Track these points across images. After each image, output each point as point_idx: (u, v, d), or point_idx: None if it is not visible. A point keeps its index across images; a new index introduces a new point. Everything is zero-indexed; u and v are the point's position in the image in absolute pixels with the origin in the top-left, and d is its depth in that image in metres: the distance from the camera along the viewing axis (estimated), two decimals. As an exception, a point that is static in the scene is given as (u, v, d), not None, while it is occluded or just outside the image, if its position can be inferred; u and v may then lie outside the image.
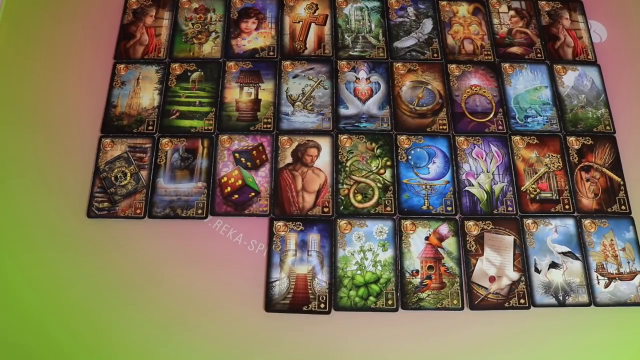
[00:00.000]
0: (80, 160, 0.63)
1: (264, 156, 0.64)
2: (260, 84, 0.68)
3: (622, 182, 0.65)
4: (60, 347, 0.55)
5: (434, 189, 0.63)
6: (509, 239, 0.61)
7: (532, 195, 0.63)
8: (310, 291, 0.58)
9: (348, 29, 0.72)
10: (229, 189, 0.61)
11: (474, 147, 0.65)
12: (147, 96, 0.67)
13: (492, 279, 0.59)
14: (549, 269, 0.60)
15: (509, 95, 0.69)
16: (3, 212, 0.61)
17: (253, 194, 0.61)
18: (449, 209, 0.62)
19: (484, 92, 0.69)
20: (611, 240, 0.61)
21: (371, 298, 0.58)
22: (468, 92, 0.69)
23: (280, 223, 0.61)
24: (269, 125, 0.65)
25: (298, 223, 0.61)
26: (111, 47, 0.70)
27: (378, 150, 0.65)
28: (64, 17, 0.72)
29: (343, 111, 0.67)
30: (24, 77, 0.68)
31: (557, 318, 0.58)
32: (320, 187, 0.63)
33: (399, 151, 0.65)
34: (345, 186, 0.63)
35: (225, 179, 0.62)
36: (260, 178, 0.63)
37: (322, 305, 0.57)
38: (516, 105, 0.68)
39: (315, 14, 0.73)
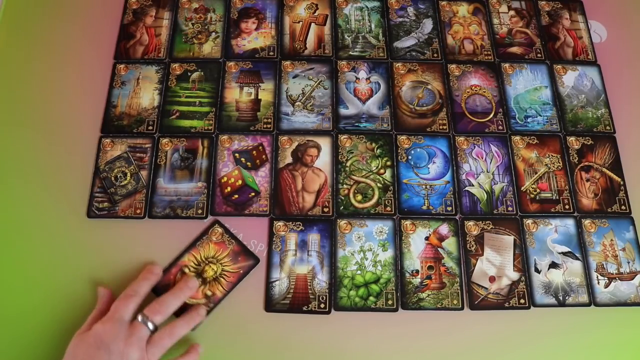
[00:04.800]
0: (80, 160, 0.63)
1: (264, 156, 0.64)
2: (260, 84, 0.68)
3: (622, 182, 0.65)
4: (60, 347, 0.55)
5: (434, 189, 0.63)
6: (509, 239, 0.61)
7: (532, 195, 0.63)
8: (310, 291, 0.58)
9: (348, 29, 0.72)
10: (229, 189, 0.61)
11: (474, 147, 0.65)
12: (147, 96, 0.67)
13: (492, 279, 0.59)
14: (549, 269, 0.60)
15: (509, 95, 0.69)
16: (3, 212, 0.61)
17: (253, 194, 0.61)
18: (449, 209, 0.62)
19: (484, 92, 0.69)
20: (611, 240, 0.61)
21: (371, 298, 0.58)
22: (468, 92, 0.69)
23: (280, 223, 0.61)
24: (269, 125, 0.65)
25: (298, 223, 0.61)
26: (111, 47, 0.70)
27: (378, 150, 0.65)
28: (64, 17, 0.72)
29: (343, 111, 0.67)
30: (24, 77, 0.68)
31: (557, 318, 0.58)
32: (320, 187, 0.63)
33: (399, 151, 0.65)
34: (345, 186, 0.63)
35: (225, 179, 0.62)
36: (260, 178, 0.63)
37: (322, 305, 0.57)
38: (516, 105, 0.68)
39: (315, 14, 0.73)
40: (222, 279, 0.57)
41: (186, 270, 0.57)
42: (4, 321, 0.56)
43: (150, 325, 0.49)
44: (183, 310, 0.55)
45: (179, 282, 0.55)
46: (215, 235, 0.59)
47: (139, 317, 0.50)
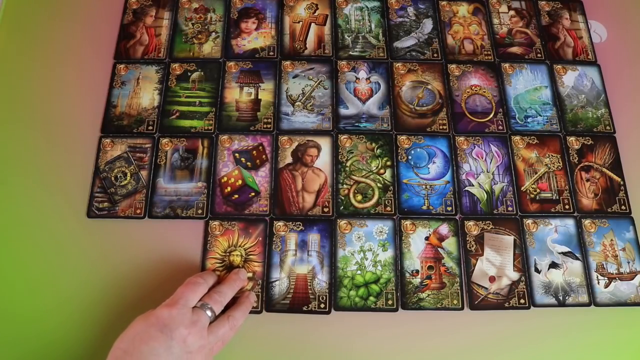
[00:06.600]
0: (80, 160, 0.63)
1: (264, 156, 0.64)
2: (260, 84, 0.68)
3: (622, 182, 0.65)
4: (59, 347, 0.55)
5: (434, 189, 0.63)
6: (509, 239, 0.61)
7: (532, 195, 0.63)
8: (310, 291, 0.58)
9: (348, 29, 0.72)
10: (229, 189, 0.61)
11: (474, 147, 0.65)
12: (147, 96, 0.67)
13: (492, 279, 0.59)
14: (549, 269, 0.60)
15: (509, 95, 0.69)
16: (3, 212, 0.61)
17: (253, 194, 0.61)
18: (449, 209, 0.62)
19: (484, 92, 0.69)
20: (611, 240, 0.61)
21: (371, 298, 0.58)
22: (468, 92, 0.69)
23: (280, 223, 0.61)
24: (269, 125, 0.65)
25: (298, 223, 0.61)
26: (111, 47, 0.70)
27: (378, 150, 0.65)
28: (64, 17, 0.72)
29: (343, 111, 0.67)
30: (24, 77, 0.68)
31: (557, 318, 0.58)
32: (320, 187, 0.63)
33: (399, 151, 0.65)
34: (345, 186, 0.63)
35: (225, 179, 0.62)
36: (260, 178, 0.63)
37: (322, 305, 0.57)
38: (516, 105, 0.68)
39: (315, 14, 0.73)
40: (251, 257, 0.59)
41: (217, 273, 0.57)
42: (3, 320, 0.56)
43: (210, 313, 0.50)
44: None
45: (230, 274, 0.56)
46: (216, 229, 0.60)
47: (199, 304, 0.50)
